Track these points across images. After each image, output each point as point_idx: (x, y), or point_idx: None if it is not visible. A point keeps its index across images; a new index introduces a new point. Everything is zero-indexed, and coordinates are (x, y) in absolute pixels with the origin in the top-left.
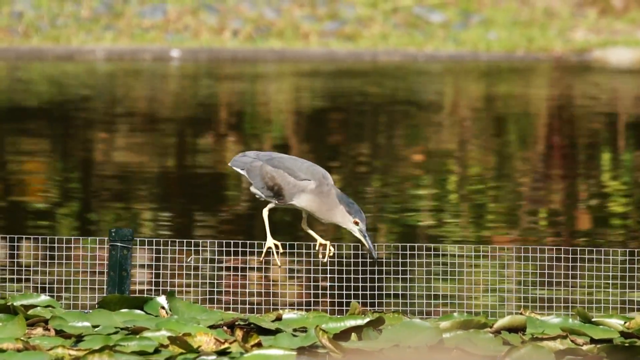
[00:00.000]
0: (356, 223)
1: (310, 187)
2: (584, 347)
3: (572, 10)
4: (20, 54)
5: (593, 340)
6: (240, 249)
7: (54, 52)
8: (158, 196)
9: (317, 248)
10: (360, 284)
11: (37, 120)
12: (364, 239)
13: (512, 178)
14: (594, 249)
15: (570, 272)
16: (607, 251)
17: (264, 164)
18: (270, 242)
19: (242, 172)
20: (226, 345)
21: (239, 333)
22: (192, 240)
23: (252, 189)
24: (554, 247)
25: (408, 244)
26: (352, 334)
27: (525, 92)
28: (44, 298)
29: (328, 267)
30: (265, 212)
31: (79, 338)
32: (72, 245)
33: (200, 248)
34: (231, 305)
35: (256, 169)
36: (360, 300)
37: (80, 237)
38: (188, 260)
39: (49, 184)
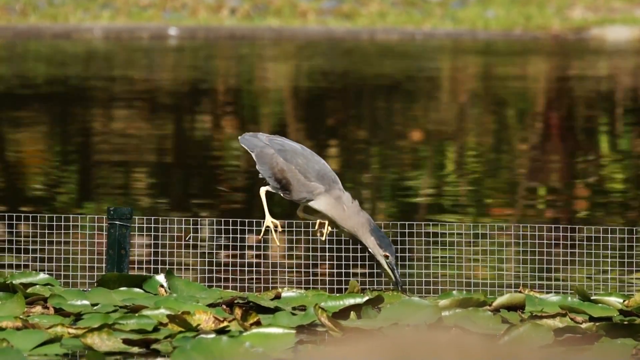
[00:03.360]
0: (386, 257)
1: (319, 190)
2: (583, 325)
3: None
4: (18, 32)
5: (592, 319)
6: (239, 227)
7: (51, 31)
8: (157, 174)
9: (316, 227)
10: (359, 262)
11: (35, 99)
12: (391, 273)
13: (511, 155)
14: (593, 227)
15: (569, 250)
16: (606, 229)
17: (276, 154)
18: (268, 220)
19: (251, 153)
20: (225, 323)
21: (238, 311)
22: (191, 219)
23: (259, 169)
24: (553, 225)
25: (407, 222)
26: (351, 312)
27: (523, 69)
28: (43, 276)
29: (327, 246)
30: (262, 191)
31: (78, 316)
32: (71, 224)
33: (199, 226)
34: (230, 284)
35: (266, 157)
36: (359, 279)
37: (79, 215)
38: (187, 238)
39: (47, 161)
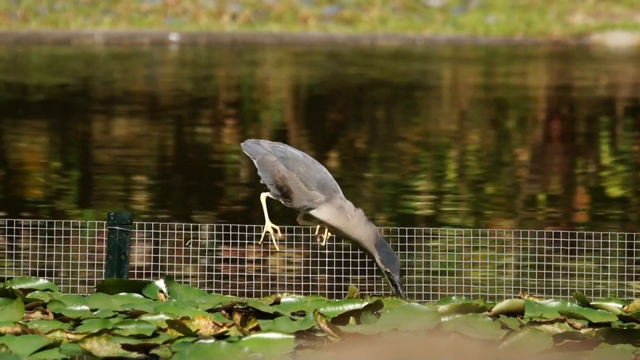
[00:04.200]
0: (387, 273)
1: (319, 199)
2: (582, 331)
3: None
4: (19, 38)
5: (591, 324)
6: (239, 233)
7: (52, 36)
8: (157, 180)
9: (316, 232)
10: (358, 268)
11: (36, 104)
12: (395, 288)
13: (511, 161)
14: (593, 233)
15: (569, 256)
16: (605, 235)
17: (278, 162)
18: (268, 226)
19: (253, 159)
20: (224, 329)
21: (237, 317)
22: (191, 224)
23: (260, 175)
24: (553, 231)
25: (407, 228)
26: (351, 317)
27: (524, 75)
28: (42, 282)
29: (327, 251)
30: (263, 197)
31: (77, 322)
32: (71, 229)
33: (199, 232)
34: (230, 289)
35: (268, 164)
36: (358, 284)
37: (79, 221)
38: (187, 244)
39: (48, 167)
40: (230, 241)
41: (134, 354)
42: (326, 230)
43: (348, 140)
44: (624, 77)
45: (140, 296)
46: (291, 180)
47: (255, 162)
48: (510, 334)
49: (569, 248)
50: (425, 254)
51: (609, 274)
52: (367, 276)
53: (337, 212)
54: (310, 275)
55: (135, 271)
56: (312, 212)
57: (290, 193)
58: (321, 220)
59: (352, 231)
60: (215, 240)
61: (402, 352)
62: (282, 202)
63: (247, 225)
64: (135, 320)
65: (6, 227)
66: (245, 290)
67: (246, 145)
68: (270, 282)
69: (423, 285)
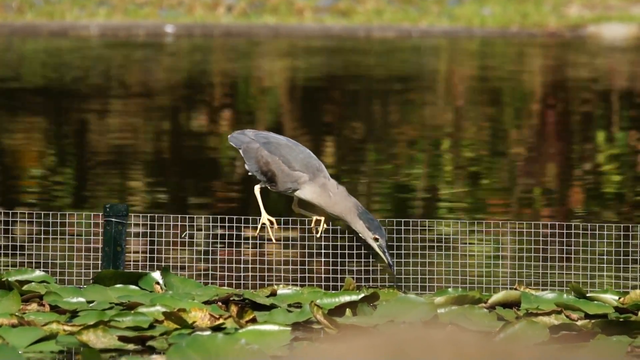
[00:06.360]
0: (376, 239)
1: (303, 179)
2: (579, 323)
3: None
4: (14, 30)
5: (588, 316)
6: (234, 224)
7: (48, 28)
8: (152, 171)
9: (312, 223)
10: (355, 260)
11: (31, 95)
12: (383, 255)
13: (507, 153)
14: (589, 225)
15: (565, 248)
16: (602, 227)
17: (261, 148)
18: (264, 217)
19: (239, 150)
20: (221, 320)
21: (233, 309)
22: (187, 216)
23: (247, 166)
24: (549, 223)
25: (402, 219)
26: (347, 309)
27: (520, 67)
28: (38, 273)
29: (323, 243)
30: (256, 189)
31: (74, 313)
32: (67, 221)
33: (195, 223)
34: (226, 281)
35: (252, 151)
36: (354, 276)
37: (75, 213)
38: (182, 235)
39: (43, 158)
40: (227, 232)
41: (131, 346)
42: (322, 221)
43: (343, 131)
44: (619, 69)
45: (137, 288)
46: (274, 164)
47: (240, 151)
48: (507, 325)
49: (564, 239)
50: (422, 245)
51: (605, 265)
52: (363, 268)
53: (319, 190)
54: (306, 267)
55: (132, 263)
56: (297, 193)
57: (275, 177)
58: (305, 200)
59: (334, 208)
60: (211, 232)
61: (398, 344)
62: (269, 188)
63: (243, 217)
64: (132, 312)
65: (2, 219)
66: (242, 282)
67: (232, 137)
68: (266, 273)
69: (419, 277)
